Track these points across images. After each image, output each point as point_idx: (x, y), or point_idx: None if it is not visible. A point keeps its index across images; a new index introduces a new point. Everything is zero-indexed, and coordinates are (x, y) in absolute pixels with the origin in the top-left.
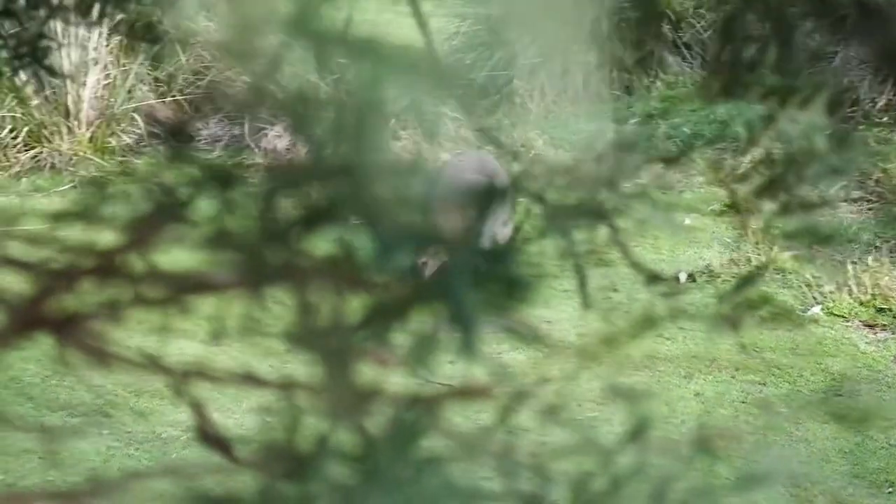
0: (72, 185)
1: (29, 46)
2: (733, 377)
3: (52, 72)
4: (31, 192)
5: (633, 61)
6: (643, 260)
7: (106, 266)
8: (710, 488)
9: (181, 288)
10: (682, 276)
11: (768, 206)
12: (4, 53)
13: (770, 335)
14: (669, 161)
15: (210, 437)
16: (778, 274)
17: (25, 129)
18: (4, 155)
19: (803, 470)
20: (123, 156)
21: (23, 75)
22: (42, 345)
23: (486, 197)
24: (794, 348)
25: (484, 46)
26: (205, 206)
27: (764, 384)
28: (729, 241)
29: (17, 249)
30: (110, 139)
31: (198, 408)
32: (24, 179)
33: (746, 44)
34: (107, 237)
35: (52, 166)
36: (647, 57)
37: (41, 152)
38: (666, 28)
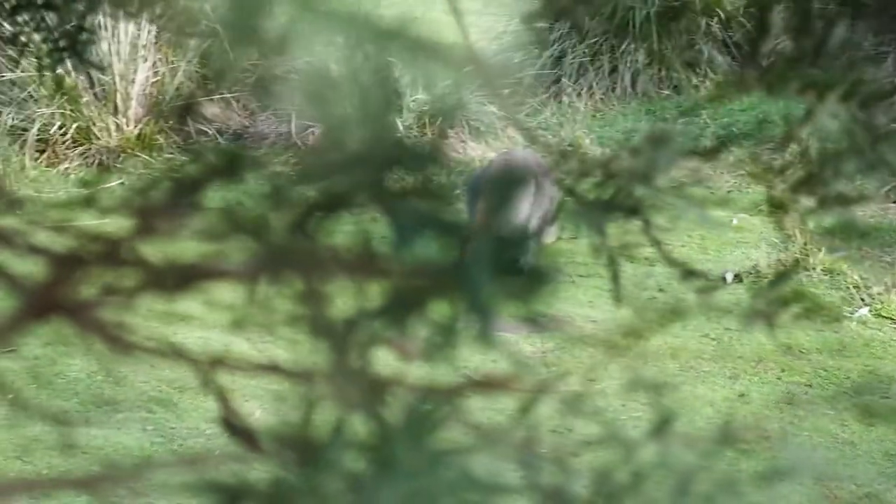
0: (119, 181)
1: (69, 39)
2: (779, 378)
3: (91, 64)
4: (78, 188)
5: (681, 60)
6: (690, 259)
7: (123, 254)
8: (739, 484)
9: (198, 276)
10: (729, 277)
11: (808, 201)
12: (47, 46)
13: (817, 336)
14: (706, 155)
15: (235, 427)
16: (826, 275)
17: (74, 125)
18: (53, 151)
19: (848, 472)
20: (171, 153)
21: (73, 73)
22: (86, 340)
23: (527, 192)
24: (841, 350)
25: (532, 45)
26: (225, 196)
27: (810, 385)
28: (777, 241)
29: (41, 239)
30: (158, 136)
31: (223, 398)
32: (72, 176)
33: (785, 37)
34: (128, 227)
35: (101, 163)
36: (696, 56)
37: (90, 149)
38: (716, 27)
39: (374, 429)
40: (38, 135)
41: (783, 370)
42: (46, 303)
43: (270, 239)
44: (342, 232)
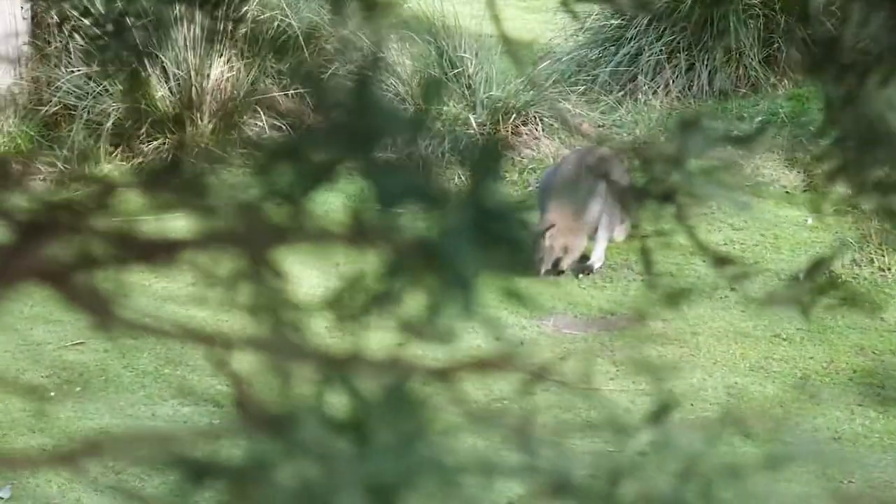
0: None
1: (115, 24)
2: (850, 379)
3: (138, 51)
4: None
5: (760, 58)
6: (763, 258)
7: (112, 229)
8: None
9: (191, 251)
10: (801, 276)
11: (846, 189)
12: (93, 31)
13: (889, 337)
14: (744, 142)
15: (249, 409)
16: None
17: (149, 119)
18: (128, 145)
19: None
20: (244, 148)
21: (149, 68)
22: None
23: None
24: None
25: (609, 42)
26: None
27: (882, 387)
28: (851, 241)
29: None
30: (232, 131)
31: (237, 380)
32: (146, 170)
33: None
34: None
35: (174, 157)
36: (775, 54)
37: (164, 143)
38: (795, 25)
39: (355, 406)
40: (112, 129)
41: (854, 371)
42: (20, 270)
43: (254, 212)
44: (330, 203)
